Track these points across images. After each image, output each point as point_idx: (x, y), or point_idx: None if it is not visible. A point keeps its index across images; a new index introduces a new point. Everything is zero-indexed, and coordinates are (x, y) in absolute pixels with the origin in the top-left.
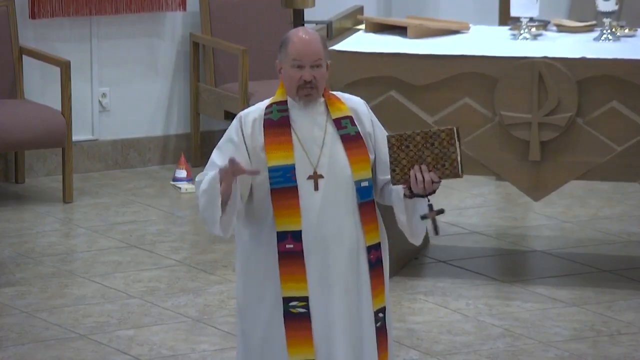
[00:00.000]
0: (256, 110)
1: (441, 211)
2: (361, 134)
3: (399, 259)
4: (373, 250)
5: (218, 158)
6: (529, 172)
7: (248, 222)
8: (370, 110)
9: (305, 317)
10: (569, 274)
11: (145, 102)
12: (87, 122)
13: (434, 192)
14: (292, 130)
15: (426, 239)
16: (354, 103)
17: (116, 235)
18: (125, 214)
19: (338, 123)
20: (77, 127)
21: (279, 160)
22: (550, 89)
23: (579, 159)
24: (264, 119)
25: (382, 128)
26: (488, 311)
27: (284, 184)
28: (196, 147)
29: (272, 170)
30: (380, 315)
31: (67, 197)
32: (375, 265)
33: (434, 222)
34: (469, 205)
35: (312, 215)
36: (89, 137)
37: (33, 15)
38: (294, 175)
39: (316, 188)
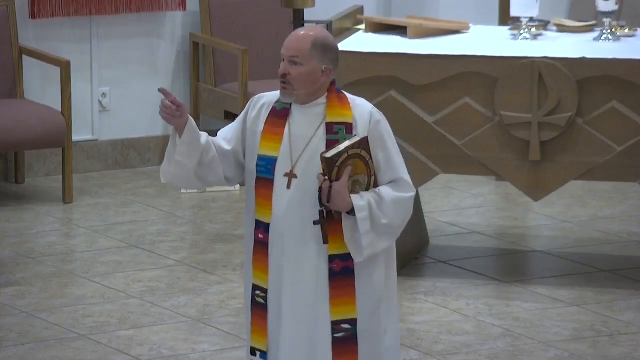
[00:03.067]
0: (269, 96)
1: (317, 222)
2: None
3: (399, 259)
4: (337, 260)
5: (224, 129)
6: (529, 172)
7: (247, 209)
8: (377, 122)
9: (264, 308)
10: (569, 274)
11: (145, 102)
12: (87, 122)
13: (327, 200)
14: (287, 124)
15: (426, 239)
16: (359, 111)
17: (116, 235)
18: (125, 214)
19: (330, 127)
20: (77, 127)
21: (266, 150)
22: (550, 89)
23: (579, 159)
24: (272, 107)
25: (385, 141)
26: (488, 311)
27: (265, 175)
28: None
29: (259, 158)
30: (345, 326)
31: (67, 197)
32: (338, 275)
33: (323, 228)
34: (469, 205)
35: (279, 212)
36: (89, 137)
37: (33, 15)
38: (274, 169)
39: (288, 187)
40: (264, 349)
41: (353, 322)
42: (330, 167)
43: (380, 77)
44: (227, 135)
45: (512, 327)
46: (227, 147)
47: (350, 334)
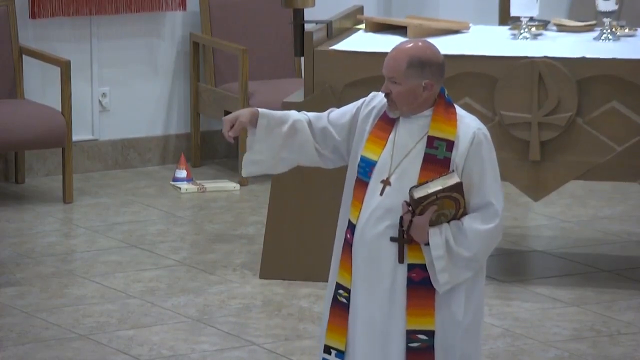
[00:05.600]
0: (383, 99)
1: (394, 240)
2: (450, 162)
3: None
4: (418, 269)
5: (331, 111)
6: (529, 172)
7: (343, 207)
8: (479, 143)
9: (345, 308)
10: (569, 274)
11: (145, 102)
12: (87, 122)
13: (407, 230)
14: (394, 131)
15: None
16: (464, 130)
17: (116, 235)
18: (125, 214)
19: (430, 142)
20: (77, 127)
21: (369, 152)
22: (550, 89)
23: (579, 159)
24: (384, 111)
25: (483, 164)
26: (488, 311)
27: (362, 177)
28: (196, 147)
29: (361, 159)
30: (421, 337)
31: (67, 197)
32: (417, 284)
33: (400, 249)
34: None
35: (365, 216)
36: (89, 137)
37: (33, 15)
38: (372, 172)
39: (381, 193)
40: (341, 348)
41: (430, 334)
42: (415, 205)
43: (380, 77)
44: (336, 120)
45: (512, 327)
46: (333, 132)
47: (426, 345)
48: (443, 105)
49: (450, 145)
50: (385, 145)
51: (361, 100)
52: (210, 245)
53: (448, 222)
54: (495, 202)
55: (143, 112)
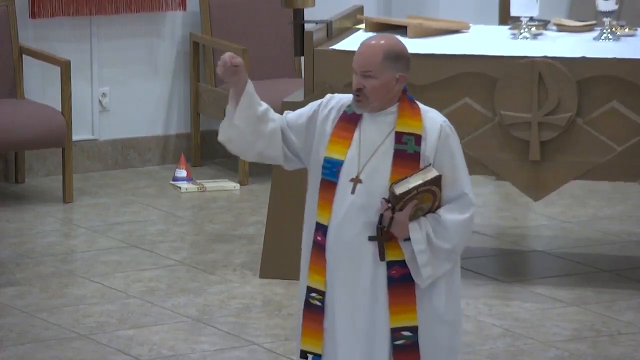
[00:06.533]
0: (341, 99)
1: (373, 239)
2: (420, 155)
3: None
4: (396, 266)
5: (287, 113)
6: (529, 172)
7: (307, 210)
8: (447, 136)
9: (320, 311)
10: (569, 274)
11: (145, 102)
12: (87, 122)
13: (387, 227)
14: (358, 129)
15: None
16: (430, 123)
17: (116, 235)
18: (125, 214)
19: (399, 137)
20: (77, 127)
21: (333, 153)
22: (550, 89)
23: (579, 159)
24: (343, 111)
25: (453, 156)
26: (488, 311)
27: (329, 177)
28: (196, 147)
29: (325, 160)
30: (406, 333)
31: (67, 197)
32: (397, 281)
33: (380, 247)
34: None
35: (339, 216)
36: (89, 137)
37: (33, 15)
38: (339, 172)
39: (353, 192)
40: (318, 352)
41: (414, 330)
42: (396, 201)
43: None
44: (293, 122)
45: (512, 327)
46: (290, 133)
47: (411, 342)
48: (407, 101)
49: (418, 139)
50: (350, 144)
51: (317, 102)
52: (210, 245)
53: (424, 215)
54: (468, 191)
55: (143, 112)
